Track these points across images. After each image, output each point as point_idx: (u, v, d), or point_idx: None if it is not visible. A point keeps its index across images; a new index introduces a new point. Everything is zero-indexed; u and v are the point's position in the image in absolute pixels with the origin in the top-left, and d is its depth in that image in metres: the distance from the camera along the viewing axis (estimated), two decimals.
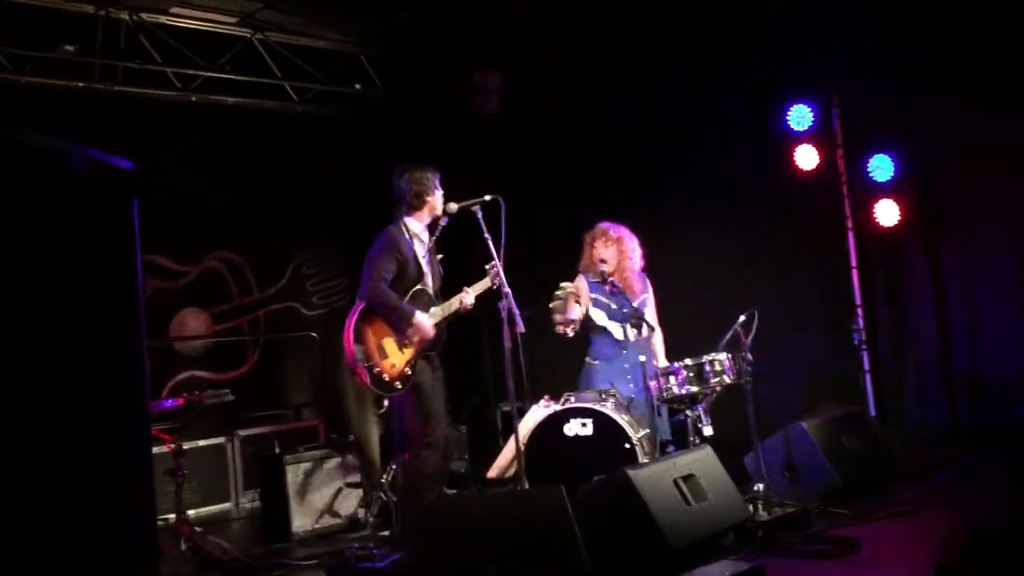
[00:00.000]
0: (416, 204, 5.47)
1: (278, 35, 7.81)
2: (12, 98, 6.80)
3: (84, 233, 2.55)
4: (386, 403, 5.32)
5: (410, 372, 5.25)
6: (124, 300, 2.66)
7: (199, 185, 7.97)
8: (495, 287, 5.22)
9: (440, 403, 5.42)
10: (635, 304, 5.84)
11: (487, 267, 5.25)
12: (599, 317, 6.08)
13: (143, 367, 2.79)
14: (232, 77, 7.72)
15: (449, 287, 5.60)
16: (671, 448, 5.77)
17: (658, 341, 6.15)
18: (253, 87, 7.94)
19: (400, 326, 5.24)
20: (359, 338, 5.20)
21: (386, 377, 5.20)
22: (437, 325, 5.38)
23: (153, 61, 7.27)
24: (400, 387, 5.23)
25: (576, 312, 5.85)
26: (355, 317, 5.23)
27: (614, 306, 6.03)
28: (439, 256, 5.66)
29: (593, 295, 6.09)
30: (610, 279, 5.86)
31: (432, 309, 5.39)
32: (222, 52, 7.59)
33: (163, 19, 7.25)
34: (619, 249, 6.03)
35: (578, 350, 6.21)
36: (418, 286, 5.40)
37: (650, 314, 6.05)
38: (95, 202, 2.60)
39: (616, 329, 6.04)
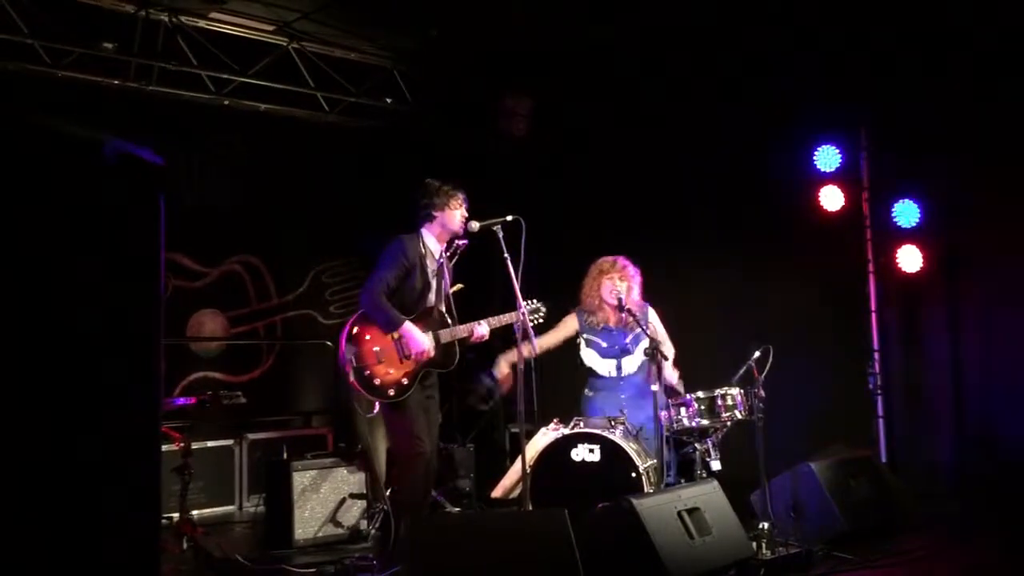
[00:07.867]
0: (426, 216, 5.43)
1: (314, 45, 7.90)
2: (49, 91, 6.92)
3: (110, 223, 2.58)
4: (377, 407, 5.28)
5: (407, 383, 5.22)
6: (144, 291, 2.69)
7: (225, 188, 8.07)
8: (517, 325, 5.18)
9: (427, 421, 5.33)
10: (648, 334, 5.82)
11: (521, 304, 5.18)
12: (589, 357, 6.10)
13: (159, 363, 2.81)
14: (266, 84, 7.81)
15: (468, 314, 5.57)
16: (669, 477, 5.72)
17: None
18: (286, 95, 8.03)
19: (389, 332, 5.22)
20: (353, 339, 5.23)
21: (377, 381, 5.19)
22: (447, 346, 5.36)
23: (189, 63, 7.38)
24: (392, 395, 5.20)
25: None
26: (353, 319, 5.28)
27: (604, 344, 6.05)
28: (459, 285, 5.62)
29: (585, 335, 6.11)
30: (627, 307, 5.88)
31: (442, 331, 5.35)
32: (257, 59, 7.69)
33: (201, 23, 7.37)
34: (630, 283, 6.04)
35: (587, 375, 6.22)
36: (427, 304, 5.36)
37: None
38: (123, 193, 2.64)
39: (606, 367, 6.07)
